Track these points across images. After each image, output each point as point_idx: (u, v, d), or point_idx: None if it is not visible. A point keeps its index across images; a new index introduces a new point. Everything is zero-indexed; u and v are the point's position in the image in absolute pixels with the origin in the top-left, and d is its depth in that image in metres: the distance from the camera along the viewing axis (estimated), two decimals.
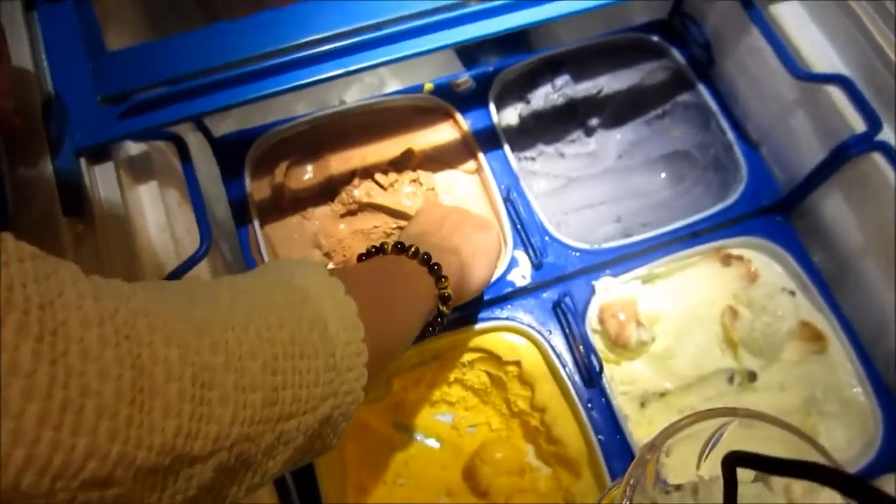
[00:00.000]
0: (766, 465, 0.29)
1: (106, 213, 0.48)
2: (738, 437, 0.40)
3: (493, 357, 0.67)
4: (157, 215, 0.53)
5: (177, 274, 0.51)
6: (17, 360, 0.21)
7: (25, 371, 0.21)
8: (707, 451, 0.42)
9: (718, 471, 0.38)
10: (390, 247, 0.51)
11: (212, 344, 0.28)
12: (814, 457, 0.39)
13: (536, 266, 0.67)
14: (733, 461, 0.31)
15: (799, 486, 0.38)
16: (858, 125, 0.60)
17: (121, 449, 0.23)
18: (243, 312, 0.31)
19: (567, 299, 0.65)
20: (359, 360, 0.36)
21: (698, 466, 0.43)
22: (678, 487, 0.40)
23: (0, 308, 0.22)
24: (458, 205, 0.70)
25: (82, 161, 0.49)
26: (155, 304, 0.27)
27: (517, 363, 0.66)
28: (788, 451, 0.40)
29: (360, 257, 0.51)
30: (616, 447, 0.61)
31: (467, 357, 0.68)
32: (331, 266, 0.63)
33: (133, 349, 0.25)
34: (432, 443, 0.70)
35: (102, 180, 0.50)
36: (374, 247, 0.51)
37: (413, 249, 0.50)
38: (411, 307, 0.47)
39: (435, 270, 0.50)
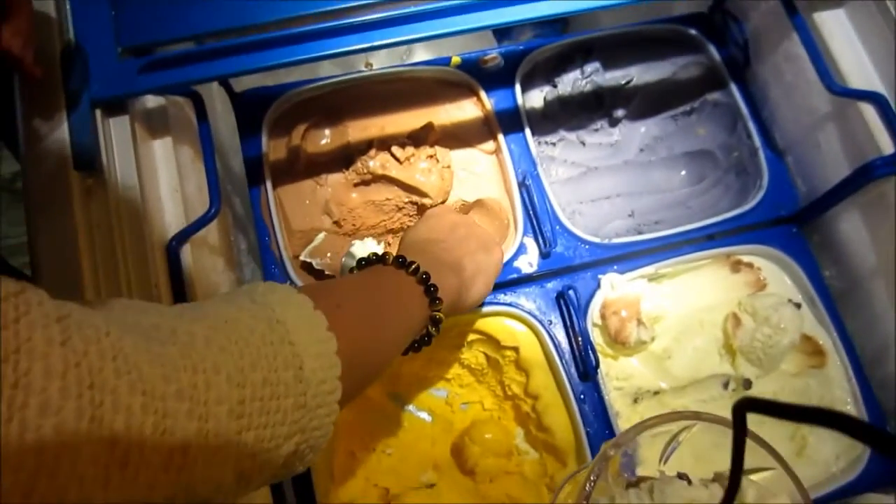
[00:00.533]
0: (776, 411, 0.28)
1: (118, 168, 0.48)
2: (701, 441, 0.40)
3: (492, 340, 0.67)
4: (170, 173, 0.53)
5: (185, 233, 0.51)
6: None
7: None
8: (668, 454, 0.43)
9: (675, 471, 0.38)
10: (391, 259, 0.50)
11: (178, 391, 0.28)
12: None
13: (544, 255, 0.67)
14: (744, 406, 0.30)
15: (753, 491, 0.38)
16: (887, 146, 0.58)
17: (75, 501, 0.23)
18: (216, 353, 0.31)
19: (571, 292, 0.65)
20: (331, 398, 0.36)
21: (660, 464, 0.43)
22: (642, 480, 0.40)
23: None
24: (479, 199, 0.69)
25: (97, 113, 0.49)
26: (128, 343, 0.27)
27: (515, 349, 0.67)
28: (751, 456, 0.40)
29: (360, 263, 0.51)
30: (603, 441, 0.61)
31: (467, 337, 0.68)
32: (328, 274, 0.63)
33: (95, 397, 0.25)
34: (424, 416, 0.71)
35: (117, 134, 0.50)
36: (374, 255, 0.51)
37: (413, 267, 0.49)
38: (399, 328, 0.46)
39: (431, 292, 0.49)
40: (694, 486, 0.38)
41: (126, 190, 0.47)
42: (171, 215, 0.52)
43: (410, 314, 0.48)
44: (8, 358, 0.23)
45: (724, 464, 0.38)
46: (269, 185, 0.65)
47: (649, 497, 0.38)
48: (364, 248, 0.63)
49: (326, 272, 0.64)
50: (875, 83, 0.60)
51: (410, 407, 0.71)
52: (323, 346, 0.35)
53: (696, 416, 0.41)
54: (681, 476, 0.41)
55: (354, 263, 0.61)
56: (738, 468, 0.31)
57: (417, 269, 0.49)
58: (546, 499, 0.67)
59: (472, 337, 0.68)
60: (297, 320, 0.35)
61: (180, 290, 0.49)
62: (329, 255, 0.64)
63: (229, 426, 0.30)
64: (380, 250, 0.63)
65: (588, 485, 0.39)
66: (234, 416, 0.30)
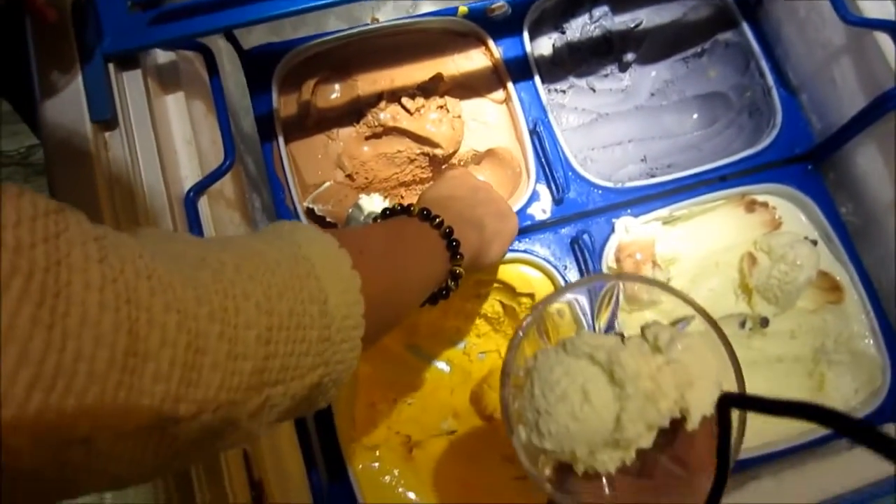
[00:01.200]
0: (761, 406, 0.29)
1: (133, 121, 0.48)
2: None
3: (507, 288, 0.68)
4: (184, 126, 0.53)
5: (202, 185, 0.51)
6: (15, 325, 0.22)
7: (22, 337, 0.22)
8: (597, 311, 0.44)
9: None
10: (416, 211, 0.50)
11: (210, 313, 0.28)
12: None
13: (557, 201, 0.67)
14: (727, 402, 0.30)
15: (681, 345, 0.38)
16: None
17: (109, 411, 0.24)
18: (245, 280, 0.31)
19: (585, 236, 0.65)
20: (355, 333, 0.36)
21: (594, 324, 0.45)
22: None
23: (2, 273, 0.22)
24: (490, 149, 0.69)
25: (111, 67, 0.49)
26: (161, 265, 0.28)
27: (531, 295, 0.67)
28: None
29: (385, 213, 0.51)
30: None
31: (483, 286, 0.69)
32: (352, 225, 0.63)
33: (132, 313, 0.25)
34: (443, 366, 0.72)
35: (130, 88, 0.50)
36: (400, 205, 0.51)
37: (438, 220, 0.49)
38: (420, 278, 0.47)
39: (453, 247, 0.49)
40: (625, 339, 0.38)
41: (142, 142, 0.48)
42: (186, 168, 0.52)
43: (432, 266, 0.48)
44: (49, 269, 0.23)
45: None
46: (281, 140, 0.66)
47: (563, 350, 0.38)
48: (371, 202, 0.63)
49: (328, 219, 0.65)
50: (890, 12, 0.59)
51: (429, 358, 0.72)
52: (347, 283, 0.36)
53: (618, 276, 0.42)
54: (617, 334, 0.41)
55: (362, 217, 0.62)
56: (724, 462, 0.31)
57: (442, 222, 0.49)
58: None
59: (487, 286, 0.69)
60: (322, 258, 0.36)
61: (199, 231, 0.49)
62: (332, 203, 0.65)
63: (257, 351, 0.30)
64: (386, 204, 0.64)
65: (519, 331, 0.41)
66: (262, 342, 0.31)
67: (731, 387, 0.37)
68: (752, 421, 0.64)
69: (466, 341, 0.73)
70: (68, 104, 0.46)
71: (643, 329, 0.38)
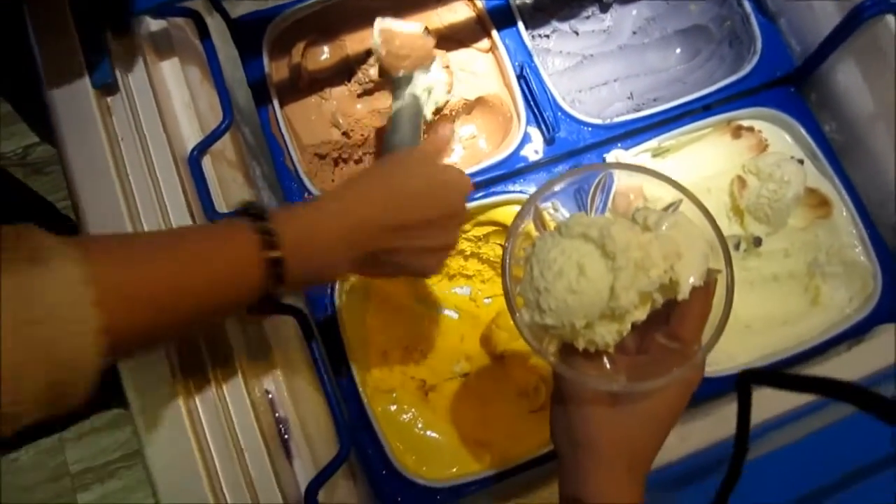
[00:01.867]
0: (782, 382, 0.28)
1: (133, 86, 0.50)
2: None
3: (506, 230, 0.70)
4: (181, 90, 0.55)
5: (205, 144, 0.53)
6: None
7: None
8: (589, 204, 0.46)
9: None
10: (260, 229, 0.42)
11: None
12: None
13: (549, 141, 0.69)
14: (748, 378, 0.29)
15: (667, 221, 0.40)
16: None
17: None
18: None
19: None
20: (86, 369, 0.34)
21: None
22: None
23: None
24: (479, 97, 0.69)
25: (108, 35, 0.51)
26: None
27: (529, 234, 0.69)
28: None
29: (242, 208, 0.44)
30: None
31: (482, 230, 0.71)
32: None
33: None
34: (451, 314, 0.74)
35: (126, 55, 0.52)
36: (250, 204, 0.44)
37: (269, 240, 0.41)
38: (209, 291, 0.40)
39: (273, 267, 0.41)
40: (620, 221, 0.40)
41: (143, 106, 0.50)
42: (187, 130, 0.54)
43: (229, 280, 0.41)
44: None
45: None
46: (276, 103, 0.68)
47: (559, 232, 0.40)
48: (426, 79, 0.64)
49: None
50: None
51: (437, 307, 0.74)
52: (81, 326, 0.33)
53: (606, 166, 0.44)
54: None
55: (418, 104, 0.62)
56: (743, 440, 0.30)
57: (274, 242, 0.41)
58: None
59: (487, 230, 0.71)
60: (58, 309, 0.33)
61: (207, 196, 0.51)
62: None
63: None
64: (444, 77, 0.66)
65: (516, 223, 0.43)
66: None
67: (718, 261, 0.40)
68: (748, 337, 0.67)
69: (472, 288, 0.75)
70: (69, 72, 0.47)
71: (633, 213, 0.40)
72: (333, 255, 0.45)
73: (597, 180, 0.45)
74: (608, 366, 0.40)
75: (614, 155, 0.68)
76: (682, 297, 0.37)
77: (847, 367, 0.59)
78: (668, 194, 0.44)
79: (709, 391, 0.62)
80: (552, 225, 0.44)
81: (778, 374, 0.26)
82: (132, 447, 1.21)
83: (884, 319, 0.64)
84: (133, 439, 1.20)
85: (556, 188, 0.44)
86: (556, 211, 0.43)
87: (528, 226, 0.44)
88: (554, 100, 0.69)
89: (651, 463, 0.42)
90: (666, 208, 0.42)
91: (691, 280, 0.37)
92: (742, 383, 0.29)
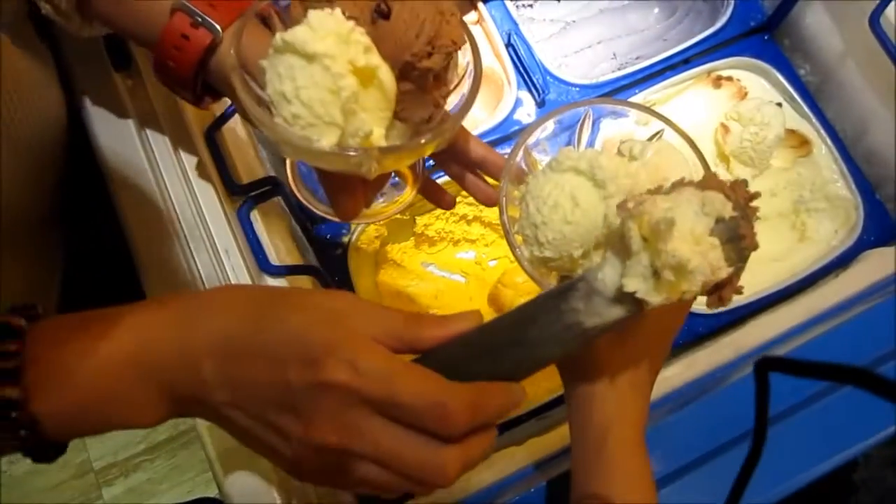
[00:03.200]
0: (801, 370, 0.27)
1: (149, 66, 0.54)
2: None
3: None
4: None
5: (220, 121, 0.57)
6: None
7: None
8: (576, 141, 0.49)
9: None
10: None
11: None
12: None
13: (539, 104, 0.72)
14: (766, 365, 0.28)
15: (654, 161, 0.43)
16: None
17: None
18: None
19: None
20: None
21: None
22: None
23: None
24: None
25: None
26: None
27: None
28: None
29: None
30: None
31: None
32: None
33: None
34: (458, 278, 0.78)
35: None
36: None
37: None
38: None
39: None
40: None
41: (161, 87, 0.53)
42: (202, 112, 0.57)
43: None
44: None
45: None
46: None
47: (549, 168, 0.41)
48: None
49: None
50: None
51: (444, 272, 0.78)
52: None
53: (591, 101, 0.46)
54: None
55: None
56: (762, 425, 0.29)
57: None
58: None
59: None
60: None
61: (224, 168, 0.55)
62: None
63: None
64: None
65: (507, 166, 0.44)
66: None
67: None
68: (743, 274, 0.70)
69: (476, 251, 0.79)
70: (92, 58, 0.51)
71: (619, 146, 0.43)
72: (122, 391, 0.32)
73: (581, 119, 0.47)
74: None
75: None
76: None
77: (834, 292, 0.62)
78: (651, 132, 0.47)
79: (709, 326, 0.66)
80: (540, 166, 0.47)
81: (794, 361, 0.26)
82: (155, 440, 1.24)
83: (867, 246, 0.67)
84: (153, 432, 1.24)
85: (543, 128, 0.45)
86: (545, 152, 0.46)
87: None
88: (542, 65, 0.73)
89: (652, 381, 0.44)
90: (650, 139, 0.46)
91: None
92: (759, 371, 0.28)
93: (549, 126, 0.45)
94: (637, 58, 0.77)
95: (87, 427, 0.32)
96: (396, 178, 0.54)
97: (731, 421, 0.52)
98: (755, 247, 0.34)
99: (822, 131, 0.71)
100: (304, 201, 0.54)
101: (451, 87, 0.42)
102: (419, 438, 0.31)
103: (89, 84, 0.51)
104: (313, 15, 0.35)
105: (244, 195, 0.55)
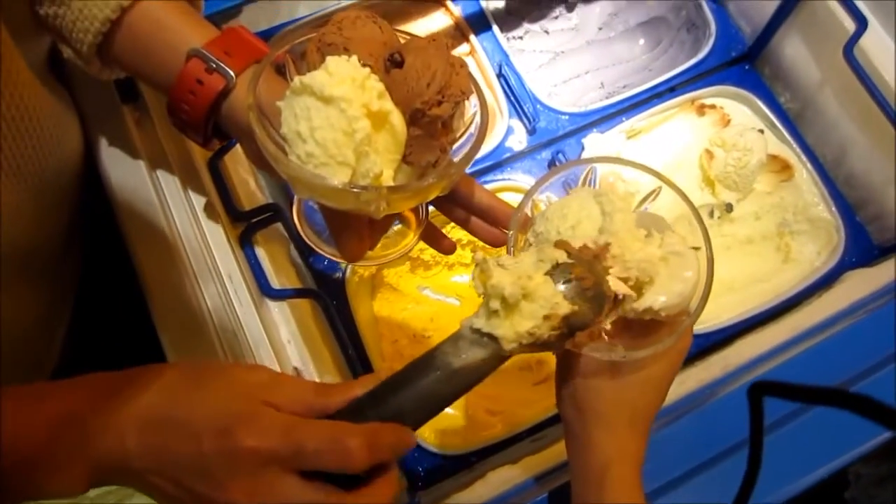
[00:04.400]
0: (794, 394, 0.28)
1: (155, 99, 0.56)
2: None
3: None
4: None
5: (221, 151, 0.58)
6: None
7: None
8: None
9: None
10: None
11: None
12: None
13: (530, 131, 0.75)
14: (760, 390, 0.30)
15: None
16: None
17: None
18: None
19: (560, 156, 0.73)
20: None
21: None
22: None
23: None
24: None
25: None
26: None
27: None
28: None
29: None
30: None
31: None
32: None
33: None
34: (453, 301, 0.79)
35: None
36: None
37: None
38: None
39: None
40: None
41: (167, 118, 0.55)
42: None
43: None
44: None
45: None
46: None
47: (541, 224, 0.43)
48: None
49: None
50: None
51: (440, 295, 0.79)
52: None
53: (590, 160, 0.48)
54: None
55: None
56: (757, 448, 0.30)
57: None
58: None
59: None
60: None
61: (226, 196, 0.57)
62: None
63: None
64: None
65: (517, 215, 0.45)
66: None
67: (697, 238, 0.44)
68: (729, 296, 0.72)
69: (470, 275, 0.80)
70: (100, 91, 0.53)
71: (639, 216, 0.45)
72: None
73: (584, 173, 0.49)
74: (606, 340, 0.44)
75: (591, 139, 0.74)
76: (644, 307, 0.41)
77: (818, 311, 0.64)
78: (645, 178, 0.49)
79: (699, 345, 0.68)
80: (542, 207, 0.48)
81: (788, 385, 0.28)
82: None
83: (849, 267, 0.70)
84: None
85: (549, 181, 0.47)
86: (548, 201, 0.47)
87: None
88: (532, 94, 0.76)
89: (651, 421, 0.45)
90: (646, 197, 0.48)
91: (660, 300, 0.40)
92: (753, 395, 0.29)
93: (553, 180, 0.47)
94: (624, 86, 0.79)
95: (13, 494, 0.34)
96: (399, 223, 0.56)
97: (722, 434, 0.54)
98: (596, 288, 0.39)
99: (803, 156, 0.73)
100: (309, 242, 0.55)
101: (458, 134, 0.44)
102: (326, 490, 0.34)
103: (98, 116, 0.53)
104: (331, 61, 0.37)
105: (246, 221, 0.57)
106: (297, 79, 0.37)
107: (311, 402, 0.36)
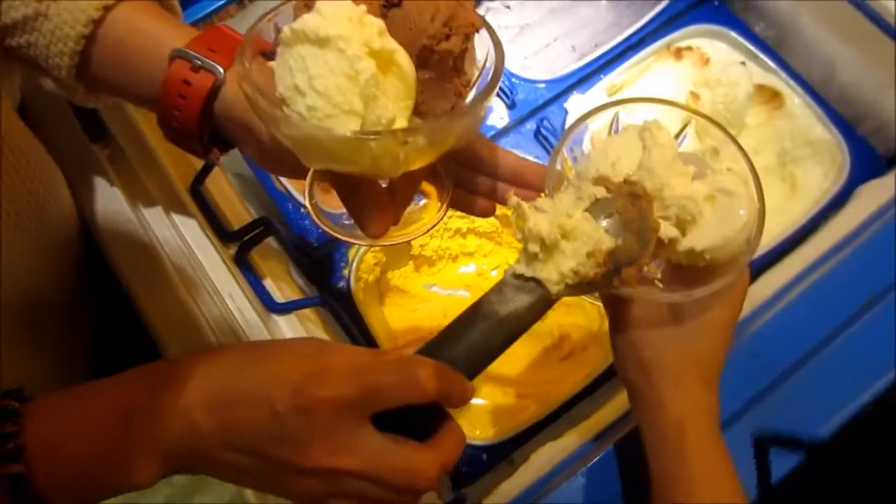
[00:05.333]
0: (795, 447, 0.28)
1: (125, 136, 0.54)
2: None
3: None
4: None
5: (201, 176, 0.57)
6: None
7: None
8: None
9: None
10: None
11: None
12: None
13: (510, 105, 0.73)
14: (764, 444, 0.32)
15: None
16: None
17: None
18: None
19: (545, 123, 0.71)
20: None
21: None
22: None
23: None
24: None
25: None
26: None
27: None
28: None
29: None
30: None
31: None
32: None
33: None
34: (463, 293, 0.78)
35: (111, 111, 0.56)
36: None
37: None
38: None
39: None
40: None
41: (140, 150, 0.54)
42: (182, 167, 0.58)
43: None
44: None
45: None
46: None
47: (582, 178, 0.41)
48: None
49: None
50: None
51: (448, 290, 0.78)
52: None
53: (620, 102, 0.46)
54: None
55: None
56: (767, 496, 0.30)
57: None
58: (590, 314, 0.74)
59: None
60: None
61: (214, 219, 0.55)
62: None
63: None
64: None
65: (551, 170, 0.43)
66: None
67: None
68: None
69: (476, 264, 0.78)
70: (66, 130, 0.52)
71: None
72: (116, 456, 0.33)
73: (610, 119, 0.47)
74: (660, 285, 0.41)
75: (573, 101, 0.72)
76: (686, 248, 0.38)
77: (837, 230, 0.62)
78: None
79: None
80: (570, 168, 0.45)
81: (789, 438, 0.25)
82: None
83: (858, 183, 0.68)
84: None
85: (574, 133, 0.44)
86: (573, 153, 0.45)
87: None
88: (506, 69, 0.74)
89: (719, 372, 0.42)
90: (676, 136, 0.45)
91: (705, 241, 0.38)
92: (759, 448, 0.30)
93: (578, 130, 0.44)
94: (596, 45, 0.78)
95: (88, 494, 0.34)
96: (422, 199, 0.52)
97: (751, 370, 0.51)
98: (640, 222, 0.37)
99: (791, 81, 0.71)
100: (326, 229, 0.51)
101: (472, 78, 0.40)
102: (403, 441, 0.34)
103: (70, 159, 0.52)
104: (322, 4, 0.33)
105: (238, 241, 0.55)
106: (286, 28, 0.33)
107: (367, 363, 0.35)
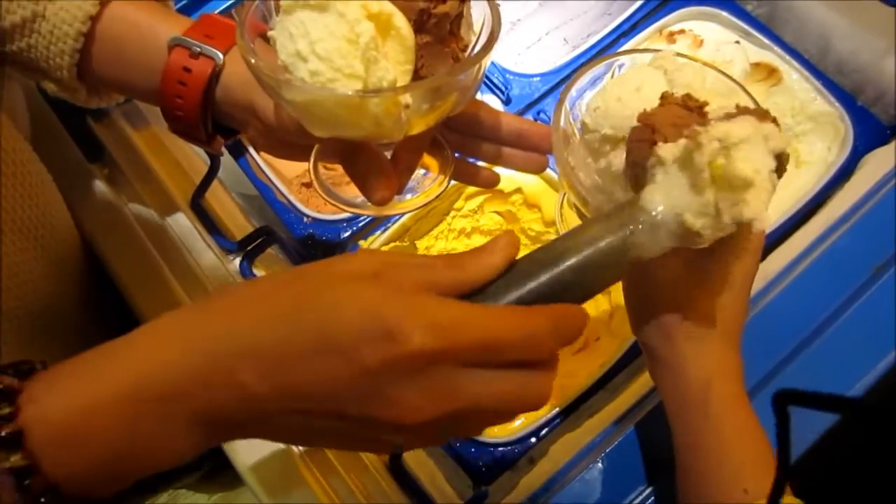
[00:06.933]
0: (818, 403, 0.26)
1: (123, 153, 0.55)
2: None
3: (495, 193, 0.73)
4: (164, 150, 0.59)
5: (200, 190, 0.57)
6: None
7: None
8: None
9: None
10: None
11: None
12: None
13: (506, 101, 0.73)
14: (785, 398, 0.28)
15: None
16: None
17: None
18: None
19: (542, 116, 0.71)
20: None
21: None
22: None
23: None
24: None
25: (90, 121, 0.56)
26: None
27: (518, 190, 0.73)
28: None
29: None
30: None
31: (474, 202, 0.74)
32: None
33: None
34: None
35: (108, 134, 0.57)
36: None
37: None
38: None
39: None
40: None
41: (138, 168, 0.54)
42: (181, 183, 0.58)
43: None
44: None
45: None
46: (251, 149, 0.72)
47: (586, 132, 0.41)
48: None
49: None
50: None
51: None
52: None
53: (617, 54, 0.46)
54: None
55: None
56: (784, 461, 0.28)
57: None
58: (601, 305, 0.73)
59: (478, 200, 0.74)
60: None
61: (216, 231, 0.55)
62: None
63: None
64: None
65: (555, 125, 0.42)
66: None
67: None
68: None
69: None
70: (65, 151, 0.52)
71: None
72: (144, 432, 0.28)
73: (611, 69, 0.46)
74: None
75: None
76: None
77: (845, 202, 0.62)
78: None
79: None
80: (576, 132, 0.44)
81: (813, 394, 0.24)
82: None
83: (863, 153, 0.67)
84: None
85: (576, 85, 0.43)
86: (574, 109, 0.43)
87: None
88: (499, 65, 0.74)
89: (741, 330, 0.41)
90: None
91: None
92: (779, 405, 0.27)
93: (583, 82, 0.43)
94: (588, 36, 0.78)
95: (119, 477, 0.29)
96: (425, 172, 0.52)
97: (768, 342, 0.50)
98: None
99: (787, 56, 0.71)
100: (331, 201, 0.50)
101: (468, 43, 0.41)
102: (510, 375, 0.29)
103: (70, 180, 0.52)
104: None
105: (241, 251, 0.55)
106: None
107: (442, 282, 0.30)
